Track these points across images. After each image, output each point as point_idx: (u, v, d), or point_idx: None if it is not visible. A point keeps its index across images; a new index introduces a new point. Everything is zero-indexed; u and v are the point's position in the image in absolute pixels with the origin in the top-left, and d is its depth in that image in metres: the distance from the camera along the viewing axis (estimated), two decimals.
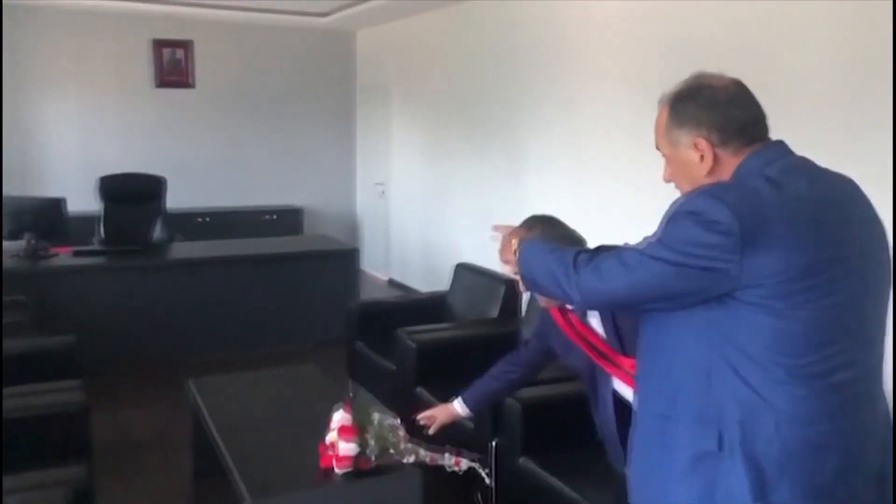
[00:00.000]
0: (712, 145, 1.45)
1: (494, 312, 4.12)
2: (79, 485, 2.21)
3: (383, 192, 8.14)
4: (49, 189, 6.76)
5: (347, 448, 2.54)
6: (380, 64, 8.12)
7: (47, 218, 4.99)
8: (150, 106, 7.62)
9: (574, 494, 2.65)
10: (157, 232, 6.06)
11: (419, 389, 3.63)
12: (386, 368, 4.00)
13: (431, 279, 7.06)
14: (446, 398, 3.42)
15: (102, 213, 5.96)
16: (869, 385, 1.44)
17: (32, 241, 4.97)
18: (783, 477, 1.34)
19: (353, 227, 8.71)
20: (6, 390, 2.93)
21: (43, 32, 7.09)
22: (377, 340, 4.30)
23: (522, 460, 2.94)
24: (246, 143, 8.12)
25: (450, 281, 4.75)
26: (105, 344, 4.74)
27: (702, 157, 1.46)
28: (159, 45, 7.55)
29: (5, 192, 5.64)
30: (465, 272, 4.49)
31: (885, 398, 1.50)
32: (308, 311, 5.57)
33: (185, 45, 7.65)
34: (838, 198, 1.44)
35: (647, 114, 1.68)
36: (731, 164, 1.45)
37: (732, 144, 1.45)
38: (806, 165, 1.46)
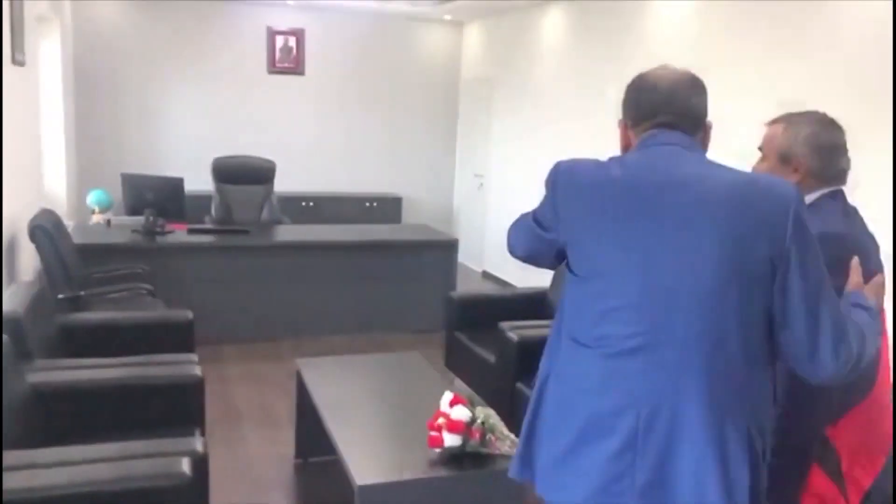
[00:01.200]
0: (626, 127, 1.64)
1: None
2: (197, 454, 2.29)
3: (482, 185, 8.12)
4: (169, 169, 7.08)
5: (453, 439, 2.55)
6: (485, 57, 8.09)
7: (166, 196, 5.22)
8: (262, 92, 7.87)
9: None
10: (266, 213, 6.26)
11: (519, 385, 3.59)
12: (485, 360, 3.98)
13: (526, 273, 6.99)
14: None
15: (215, 193, 6.20)
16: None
17: (151, 218, 5.22)
18: None
19: (449, 218, 8.74)
20: (129, 359, 3.08)
21: (167, 21, 7.42)
22: (477, 332, 4.30)
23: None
24: (350, 131, 8.27)
25: (550, 277, 4.69)
26: (213, 318, 4.92)
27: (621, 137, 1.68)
28: (273, 32, 7.77)
29: (130, 170, 5.93)
30: (564, 268, 4.41)
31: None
32: (407, 300, 5.63)
33: (298, 33, 7.84)
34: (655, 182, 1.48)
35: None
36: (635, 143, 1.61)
37: (639, 127, 1.60)
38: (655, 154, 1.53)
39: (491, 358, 3.92)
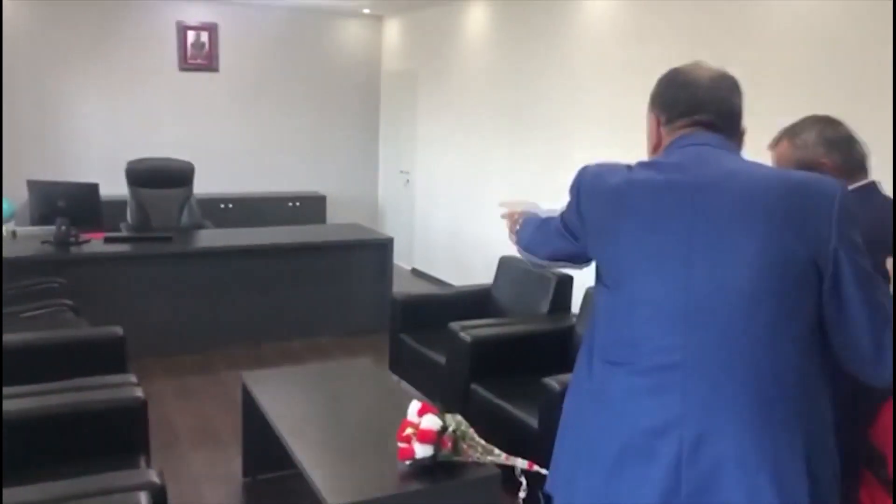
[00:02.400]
0: (659, 123, 1.54)
1: (545, 308, 4.03)
2: (155, 486, 2.11)
3: (408, 181, 8.02)
4: (78, 174, 6.64)
5: (424, 450, 2.46)
6: (406, 51, 7.98)
7: (80, 203, 4.87)
8: (174, 90, 7.49)
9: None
10: (186, 218, 5.96)
11: (474, 386, 3.53)
12: (435, 362, 3.90)
13: (459, 270, 6.96)
14: (502, 396, 3.35)
15: (130, 198, 5.86)
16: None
17: (63, 228, 4.86)
18: None
19: (374, 216, 8.60)
20: (62, 384, 2.83)
21: (71, 16, 6.95)
22: (423, 333, 4.21)
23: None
24: (269, 129, 8.00)
25: (493, 274, 4.65)
26: (137, 332, 4.60)
27: (651, 134, 1.59)
28: (184, 27, 7.40)
29: (35, 176, 5.51)
30: (511, 265, 4.38)
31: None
32: (341, 302, 5.48)
33: (210, 28, 7.51)
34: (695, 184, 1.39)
35: None
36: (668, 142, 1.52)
37: (673, 124, 1.51)
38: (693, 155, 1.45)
39: (441, 359, 3.84)
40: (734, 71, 1.54)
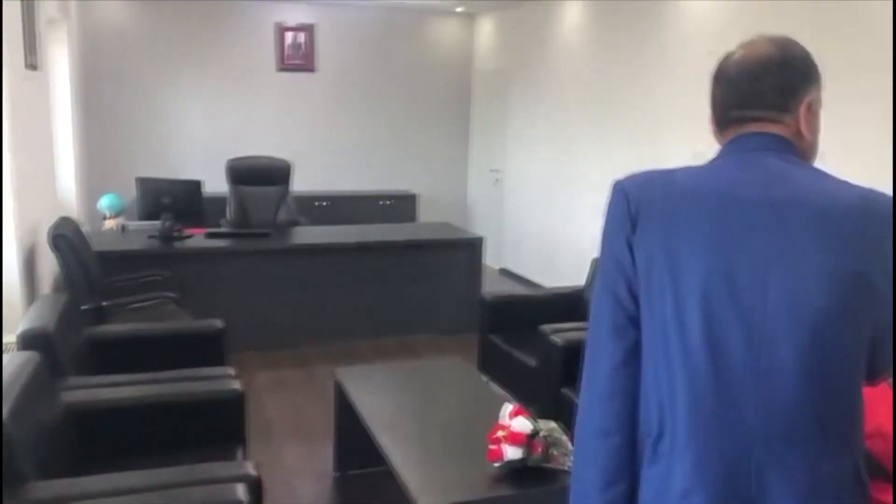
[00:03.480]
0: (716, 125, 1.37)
1: None
2: (251, 479, 2.17)
3: (498, 180, 7.98)
4: (180, 171, 6.95)
5: (514, 452, 2.43)
6: (499, 49, 7.94)
7: (183, 199, 5.08)
8: (273, 90, 7.71)
9: None
10: (282, 214, 6.12)
11: (565, 391, 3.47)
12: (525, 365, 3.85)
13: (548, 270, 6.88)
14: None
15: (230, 195, 6.06)
16: None
17: (168, 223, 5.07)
18: None
19: (464, 214, 8.60)
20: (165, 374, 2.95)
21: (174, 19, 7.26)
22: (513, 335, 4.17)
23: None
24: (362, 128, 8.12)
25: (583, 275, 4.57)
26: (235, 325, 4.75)
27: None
28: (283, 29, 7.61)
29: (140, 173, 5.78)
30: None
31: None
32: (432, 301, 5.50)
33: (307, 29, 7.69)
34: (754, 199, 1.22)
35: None
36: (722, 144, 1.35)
37: (721, 126, 1.36)
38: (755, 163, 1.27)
39: (532, 362, 3.79)
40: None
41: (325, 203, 7.62)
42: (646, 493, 1.25)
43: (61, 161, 5.88)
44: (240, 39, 7.52)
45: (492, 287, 6.11)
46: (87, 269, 3.88)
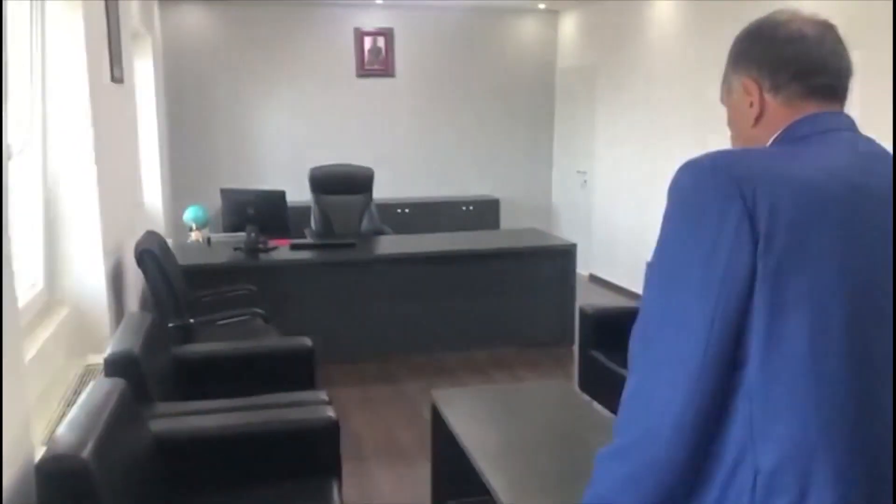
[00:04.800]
0: (761, 89, 1.15)
1: None
2: None
3: (585, 182, 7.63)
4: (262, 180, 6.90)
5: None
6: (584, 46, 7.60)
7: (268, 210, 4.97)
8: (351, 96, 7.59)
9: None
10: (366, 223, 5.96)
11: None
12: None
13: (643, 277, 6.49)
14: None
15: (314, 204, 5.94)
16: None
17: (253, 235, 4.97)
18: None
19: (549, 218, 8.28)
20: (254, 400, 2.78)
21: (253, 27, 7.23)
22: (616, 351, 3.84)
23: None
24: (442, 132, 7.92)
25: None
26: (320, 338, 4.62)
27: (751, 104, 1.17)
28: (361, 34, 7.48)
29: (223, 183, 5.73)
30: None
31: None
32: (523, 312, 5.23)
33: (386, 33, 7.54)
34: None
35: None
36: (781, 117, 1.13)
37: (784, 92, 1.13)
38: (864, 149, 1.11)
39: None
40: None
41: (405, 210, 7.45)
42: None
43: (148, 173, 5.89)
44: (319, 46, 7.43)
45: (584, 296, 5.78)
46: (172, 285, 3.77)
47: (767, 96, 1.15)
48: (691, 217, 1.04)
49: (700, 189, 1.04)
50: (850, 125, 1.14)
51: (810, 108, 1.13)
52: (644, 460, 1.06)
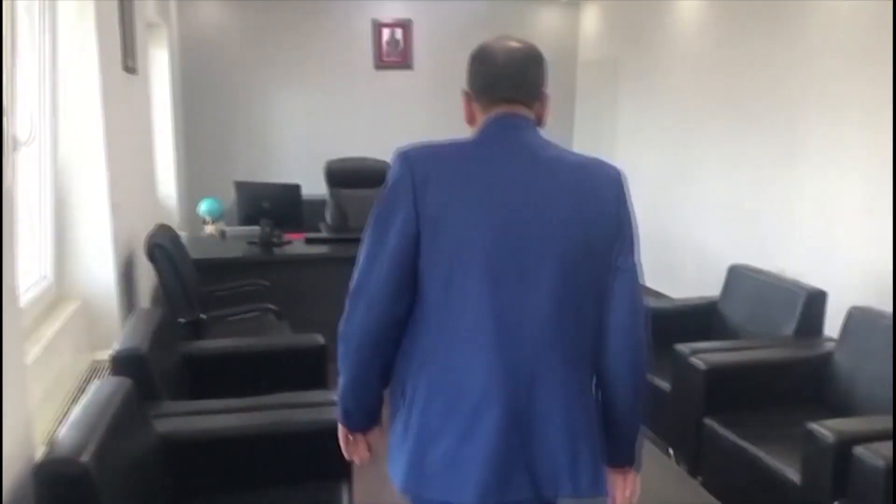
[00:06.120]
0: (470, 98, 1.66)
1: (789, 329, 3.40)
2: None
3: None
4: (278, 173, 6.83)
5: None
6: (606, 39, 7.45)
7: (283, 204, 4.89)
8: (369, 89, 7.50)
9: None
10: None
11: (708, 421, 3.01)
12: (657, 389, 3.41)
13: (666, 276, 6.36)
14: (746, 436, 2.82)
15: (329, 198, 5.86)
16: None
17: (267, 228, 4.89)
18: None
19: None
20: (263, 399, 2.71)
21: (271, 19, 7.16)
22: None
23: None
24: (460, 126, 7.76)
25: (708, 283, 4.09)
26: (331, 334, 4.55)
27: (466, 108, 1.69)
28: (379, 25, 7.38)
29: (238, 176, 5.66)
30: (744, 276, 3.78)
31: None
32: None
33: (405, 25, 7.43)
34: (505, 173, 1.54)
35: None
36: (480, 117, 1.64)
37: (479, 100, 1.64)
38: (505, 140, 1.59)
39: (664, 385, 3.35)
40: None
41: None
42: None
43: (162, 165, 5.83)
44: (337, 38, 7.34)
45: None
46: (183, 280, 3.71)
47: (474, 104, 1.64)
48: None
49: (392, 167, 1.57)
50: (516, 122, 1.60)
51: (493, 112, 1.59)
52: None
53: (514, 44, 1.61)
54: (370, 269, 1.53)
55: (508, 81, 1.58)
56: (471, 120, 1.64)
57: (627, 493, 1.59)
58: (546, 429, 1.46)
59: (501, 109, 1.57)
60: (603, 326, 1.49)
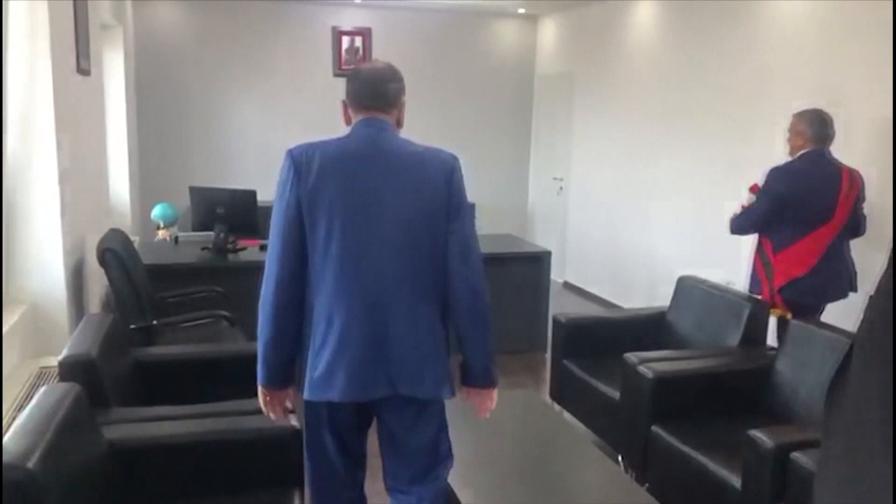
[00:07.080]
0: (347, 107, 2.14)
1: (734, 339, 3.51)
2: None
3: (561, 189, 7.61)
4: (233, 179, 6.76)
5: None
6: (563, 52, 7.59)
7: (239, 210, 4.85)
8: (328, 96, 7.48)
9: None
10: None
11: (655, 429, 3.09)
12: (606, 397, 3.49)
13: (617, 286, 6.48)
14: (692, 444, 2.89)
15: None
16: None
17: (222, 234, 4.85)
18: None
19: (524, 224, 8.25)
20: (214, 406, 2.69)
21: (229, 23, 7.11)
22: (589, 361, 3.81)
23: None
24: (419, 134, 7.80)
25: (657, 293, 4.19)
26: None
27: (343, 115, 2.18)
28: (339, 33, 7.39)
29: (193, 181, 5.60)
30: (692, 287, 3.89)
31: None
32: (494, 317, 5.12)
33: (364, 33, 7.45)
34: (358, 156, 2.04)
35: None
36: (352, 120, 2.13)
37: (351, 107, 2.13)
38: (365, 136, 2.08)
39: (613, 393, 3.42)
40: None
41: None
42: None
43: (115, 169, 5.74)
44: (296, 44, 7.32)
45: (557, 303, 5.75)
46: (136, 286, 3.66)
47: (349, 110, 2.12)
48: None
49: (282, 162, 2.05)
50: (375, 123, 2.07)
51: (360, 116, 2.08)
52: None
53: (378, 66, 2.14)
54: (273, 243, 2.01)
55: (372, 94, 2.07)
56: (347, 122, 2.13)
57: (489, 404, 2.16)
58: (398, 347, 1.98)
59: (366, 115, 2.07)
60: (443, 274, 2.00)
